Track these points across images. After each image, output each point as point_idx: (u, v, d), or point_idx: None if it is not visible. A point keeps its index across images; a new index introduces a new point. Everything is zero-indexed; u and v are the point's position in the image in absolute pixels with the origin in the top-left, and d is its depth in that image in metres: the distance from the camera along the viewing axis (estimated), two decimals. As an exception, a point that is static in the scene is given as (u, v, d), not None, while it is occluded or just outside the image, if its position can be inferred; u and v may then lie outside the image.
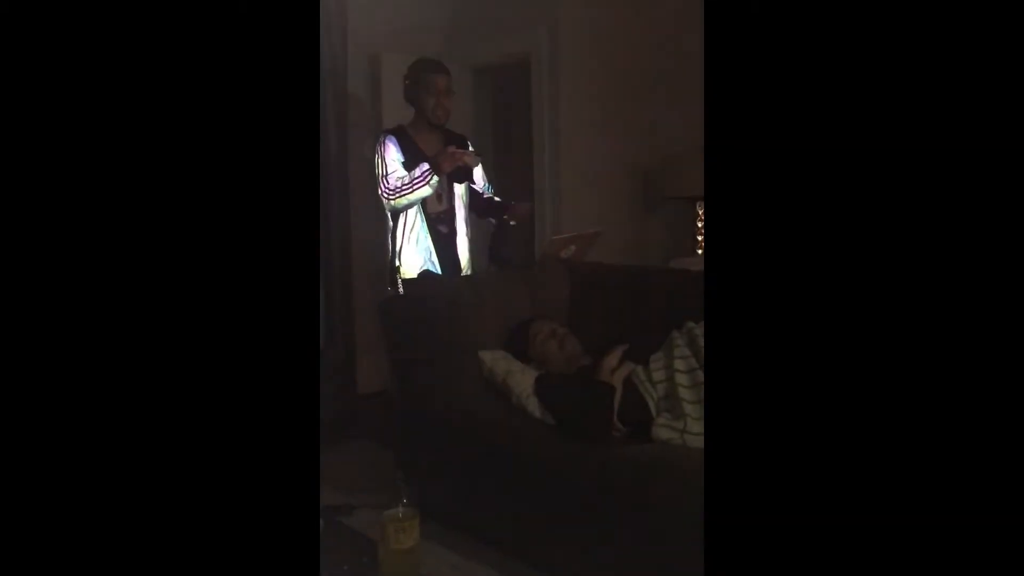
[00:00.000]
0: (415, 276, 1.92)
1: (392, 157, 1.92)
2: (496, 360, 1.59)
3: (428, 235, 1.97)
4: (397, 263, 1.97)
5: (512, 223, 2.03)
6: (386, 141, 1.94)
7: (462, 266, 2.03)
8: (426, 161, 1.88)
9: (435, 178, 1.88)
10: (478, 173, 2.07)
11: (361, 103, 2.69)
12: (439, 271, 1.99)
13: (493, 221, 2.07)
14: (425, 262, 1.97)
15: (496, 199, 2.10)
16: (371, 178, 2.03)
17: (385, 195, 1.90)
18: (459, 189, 2.05)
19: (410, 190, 1.87)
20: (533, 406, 1.48)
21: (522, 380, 1.52)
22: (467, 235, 2.06)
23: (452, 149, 1.89)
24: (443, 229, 2.00)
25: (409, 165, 1.91)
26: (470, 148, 2.04)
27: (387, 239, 1.98)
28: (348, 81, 2.51)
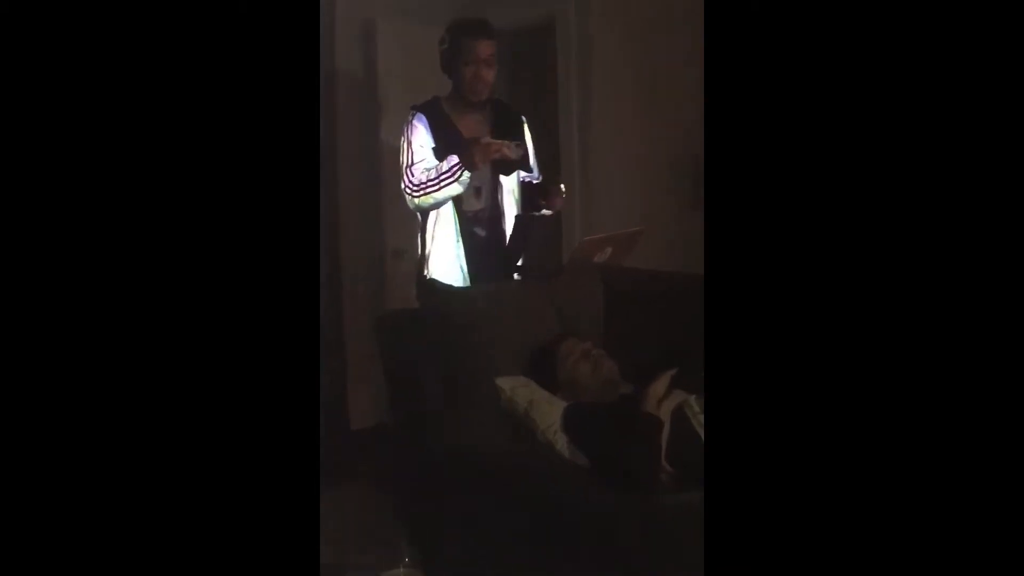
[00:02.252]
0: (427, 285, 1.88)
1: (420, 142, 1.82)
2: (517, 388, 1.61)
3: (460, 240, 1.89)
4: (425, 273, 1.89)
5: (546, 212, 1.94)
6: (414, 121, 1.83)
7: (496, 275, 1.98)
8: (457, 153, 1.79)
9: (466, 174, 1.79)
10: (531, 160, 1.97)
11: (352, 79, 2.68)
12: (467, 279, 1.92)
13: (538, 214, 2.00)
14: (457, 272, 1.90)
15: (533, 181, 2.02)
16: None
17: (408, 190, 1.81)
18: (507, 183, 1.96)
19: (436, 187, 1.78)
20: (562, 443, 1.49)
21: (548, 412, 1.53)
22: (510, 238, 1.99)
23: (487, 140, 1.79)
24: (481, 232, 1.93)
25: (443, 151, 1.81)
26: (525, 130, 1.94)
27: (416, 242, 1.91)
28: (336, 54, 2.50)
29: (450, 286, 1.87)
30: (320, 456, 0.67)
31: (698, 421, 1.41)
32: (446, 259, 1.90)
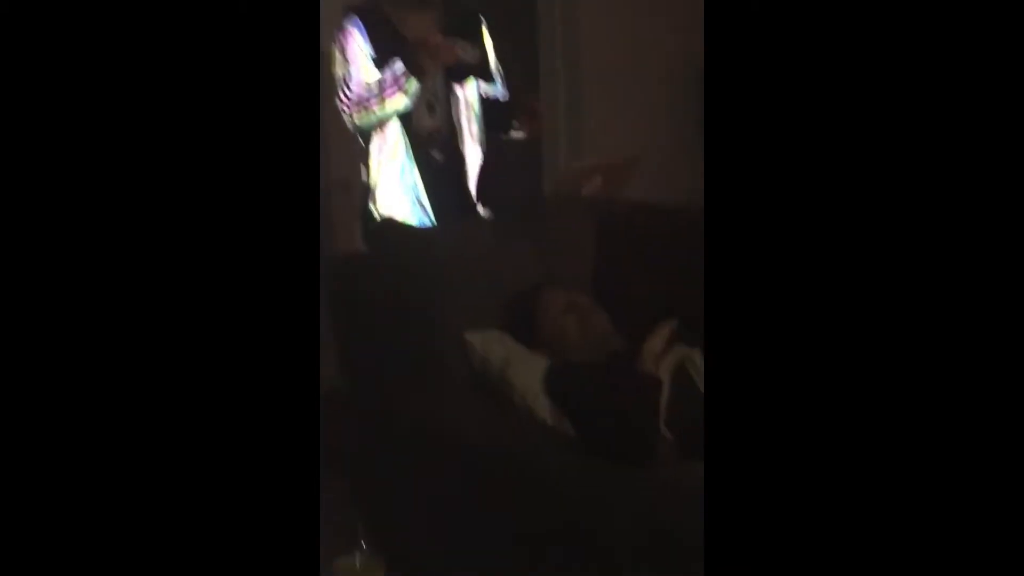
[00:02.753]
0: (378, 225, 1.86)
1: (355, 51, 1.80)
2: (491, 345, 1.61)
3: (415, 165, 1.88)
4: (372, 209, 1.89)
5: (517, 135, 1.92)
6: (347, 27, 1.81)
7: (464, 211, 1.96)
8: (402, 56, 1.77)
9: (415, 83, 1.78)
10: (492, 65, 1.95)
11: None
12: (431, 220, 1.91)
13: (508, 138, 2.00)
14: (412, 206, 1.89)
15: (501, 100, 2.01)
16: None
17: (345, 107, 1.80)
18: (464, 93, 1.94)
19: (378, 100, 1.77)
20: (543, 408, 1.50)
21: (527, 372, 1.54)
22: (481, 163, 1.97)
23: (437, 40, 1.77)
24: (437, 156, 1.92)
25: (384, 59, 1.80)
26: (483, 31, 1.91)
27: (359, 172, 1.89)
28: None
29: (406, 225, 1.85)
30: (321, 449, 0.76)
31: (700, 379, 1.44)
32: (396, 191, 1.89)
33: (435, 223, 1.90)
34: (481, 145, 1.98)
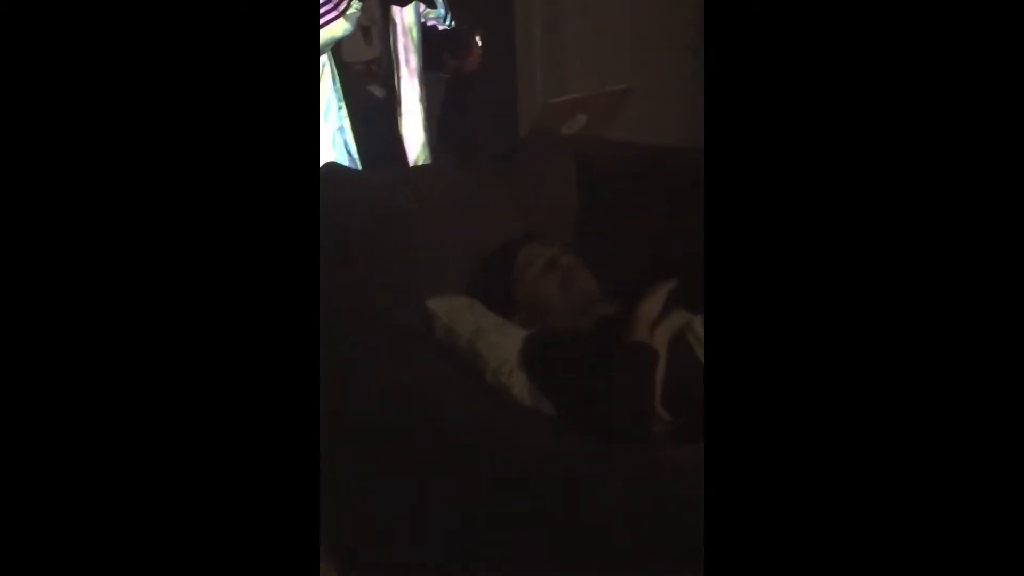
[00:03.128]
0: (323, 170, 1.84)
1: None
2: (458, 312, 1.61)
3: (343, 103, 1.90)
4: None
5: (451, 69, 1.95)
6: None
7: (410, 157, 1.98)
8: None
9: (355, 3, 1.79)
10: None
11: None
12: (357, 164, 1.94)
13: (445, 75, 2.03)
14: (336, 149, 1.91)
15: (450, 31, 2.03)
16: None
17: None
18: (403, 16, 1.96)
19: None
20: (520, 386, 1.50)
21: (501, 343, 1.54)
22: (420, 101, 1.98)
23: None
24: (377, 92, 1.95)
25: None
26: None
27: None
28: None
29: (351, 171, 1.84)
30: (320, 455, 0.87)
31: (703, 349, 1.44)
32: (327, 130, 1.90)
33: (360, 168, 1.92)
34: (421, 81, 1.98)
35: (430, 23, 2.04)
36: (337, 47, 1.88)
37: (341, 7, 1.79)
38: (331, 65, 1.88)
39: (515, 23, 2.55)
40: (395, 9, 1.94)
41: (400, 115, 1.99)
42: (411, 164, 2.01)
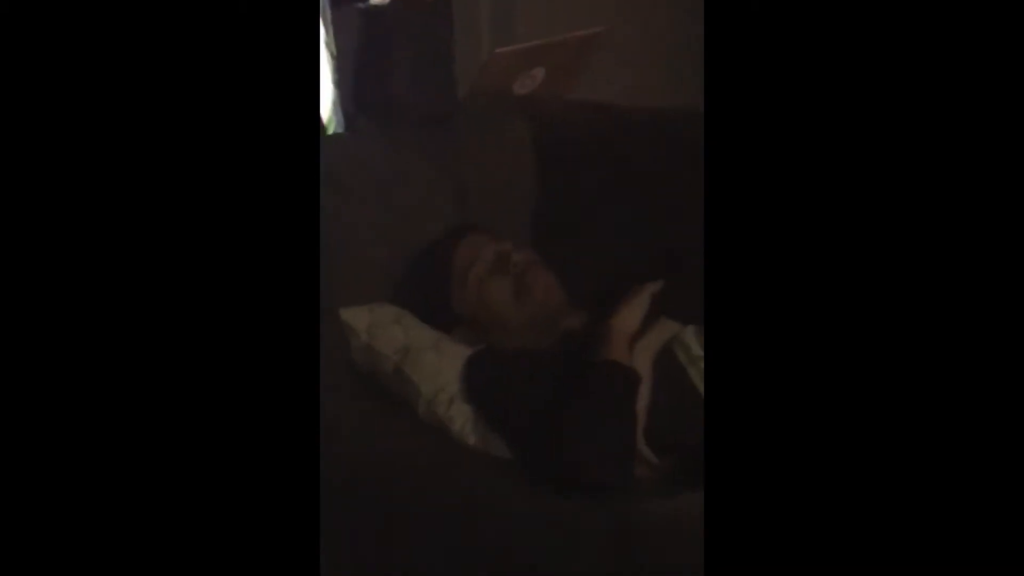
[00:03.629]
0: None
1: None
2: (381, 326, 1.60)
3: None
4: None
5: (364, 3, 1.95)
6: None
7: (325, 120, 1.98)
8: None
9: None
10: None
11: None
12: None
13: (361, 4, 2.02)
14: None
15: None
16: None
17: None
18: None
19: None
20: (463, 420, 1.49)
21: (438, 366, 1.54)
22: (328, 47, 1.99)
23: None
24: None
25: None
26: None
27: None
28: None
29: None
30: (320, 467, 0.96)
31: (698, 370, 1.44)
32: None
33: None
34: (327, 19, 1.99)
35: None
36: None
37: None
38: None
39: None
40: None
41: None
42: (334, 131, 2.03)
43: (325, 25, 2.01)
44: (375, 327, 1.59)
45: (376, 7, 2.01)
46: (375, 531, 1.48)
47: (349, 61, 2.04)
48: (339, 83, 2.05)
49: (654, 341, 1.49)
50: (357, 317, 1.60)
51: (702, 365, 1.43)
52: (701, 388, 1.42)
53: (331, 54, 2.02)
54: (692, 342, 1.47)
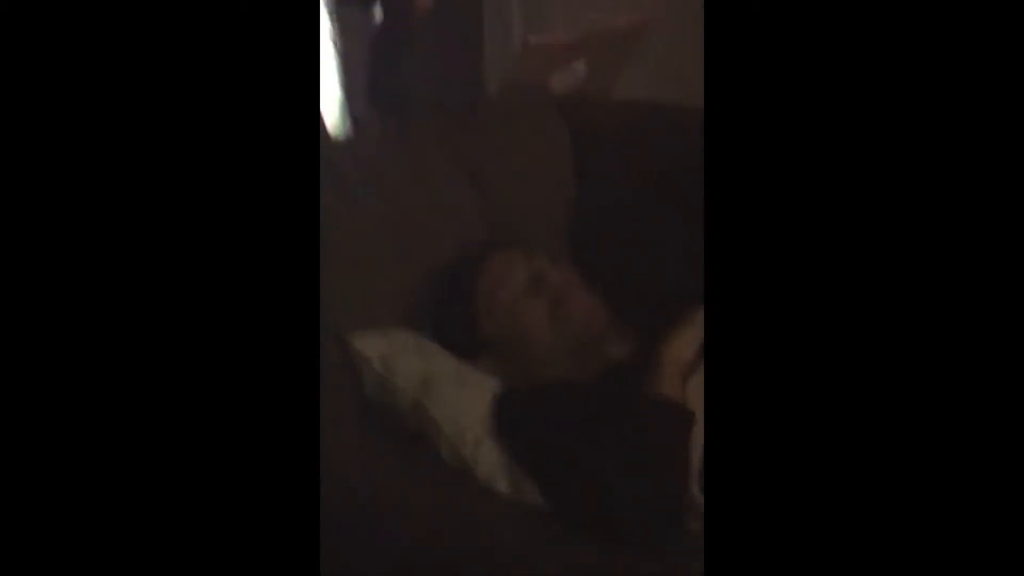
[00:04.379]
0: None
1: None
2: (398, 355, 1.56)
3: None
4: None
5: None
6: None
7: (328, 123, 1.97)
8: None
9: None
10: None
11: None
12: None
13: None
14: None
15: None
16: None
17: None
18: None
19: None
20: (491, 464, 1.45)
21: (462, 401, 1.50)
22: (334, 41, 1.97)
23: None
24: None
25: None
26: None
27: None
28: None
29: None
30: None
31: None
32: None
33: None
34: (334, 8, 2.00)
35: None
36: None
37: None
38: None
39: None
40: None
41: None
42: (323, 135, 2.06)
43: (329, 15, 1.98)
44: (391, 356, 1.54)
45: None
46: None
47: (362, 50, 2.03)
48: (347, 75, 2.03)
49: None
50: (370, 344, 1.55)
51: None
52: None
53: (335, 46, 2.00)
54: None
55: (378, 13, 1.95)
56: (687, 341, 1.44)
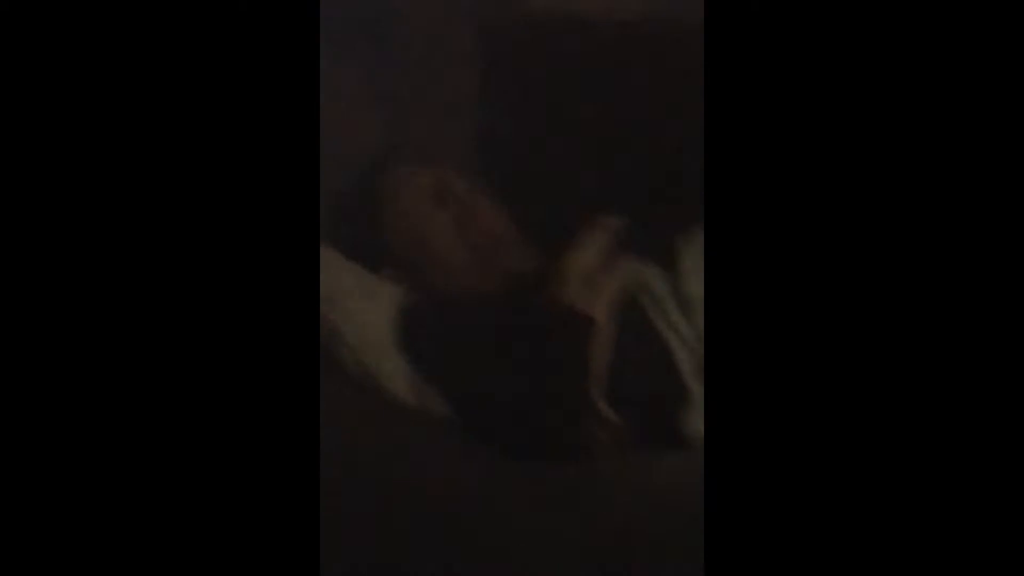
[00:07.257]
0: None
1: None
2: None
3: None
4: None
5: None
6: None
7: None
8: None
9: None
10: None
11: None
12: None
13: None
14: None
15: None
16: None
17: None
18: None
19: None
20: (396, 375, 1.48)
21: (366, 312, 1.52)
22: None
23: None
24: None
25: None
26: None
27: None
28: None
29: None
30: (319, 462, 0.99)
31: (668, 322, 1.46)
32: None
33: None
34: None
35: None
36: None
37: None
38: None
39: None
40: None
41: None
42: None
43: None
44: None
45: None
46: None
47: None
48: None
49: (613, 284, 1.47)
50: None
51: (675, 317, 1.44)
52: (666, 335, 1.43)
53: None
54: (656, 283, 1.47)
55: None
56: (588, 251, 1.47)
